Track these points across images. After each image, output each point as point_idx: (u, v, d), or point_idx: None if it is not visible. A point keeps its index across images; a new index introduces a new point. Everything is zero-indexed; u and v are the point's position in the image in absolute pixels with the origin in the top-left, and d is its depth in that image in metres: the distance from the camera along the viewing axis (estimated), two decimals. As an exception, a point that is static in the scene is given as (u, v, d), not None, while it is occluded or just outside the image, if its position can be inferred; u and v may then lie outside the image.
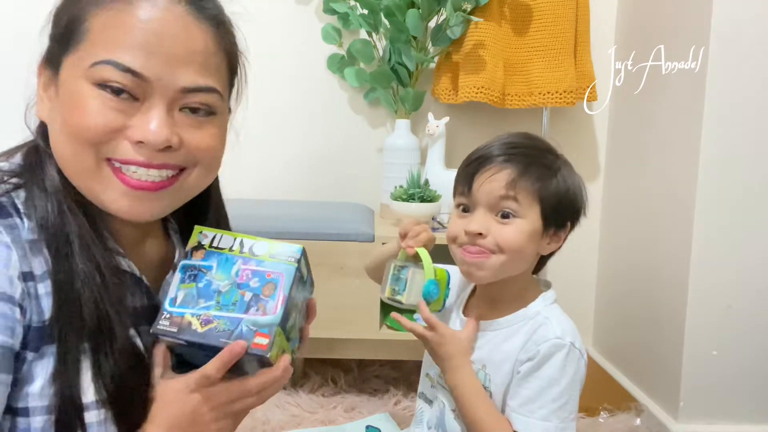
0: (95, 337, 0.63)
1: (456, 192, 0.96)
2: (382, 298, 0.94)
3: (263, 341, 0.68)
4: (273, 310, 0.69)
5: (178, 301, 0.70)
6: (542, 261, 0.97)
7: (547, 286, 0.98)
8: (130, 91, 0.63)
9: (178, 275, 0.72)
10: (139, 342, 0.69)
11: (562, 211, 0.91)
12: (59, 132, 0.65)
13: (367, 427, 1.39)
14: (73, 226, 0.65)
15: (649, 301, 1.70)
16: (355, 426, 1.34)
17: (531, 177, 0.88)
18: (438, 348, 0.92)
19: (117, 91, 0.62)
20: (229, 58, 0.72)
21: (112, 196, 0.65)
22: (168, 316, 0.69)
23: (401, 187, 1.69)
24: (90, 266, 0.64)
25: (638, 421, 1.62)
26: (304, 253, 0.74)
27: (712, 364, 1.51)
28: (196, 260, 0.72)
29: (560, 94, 1.81)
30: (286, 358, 0.71)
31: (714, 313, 1.49)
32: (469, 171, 0.92)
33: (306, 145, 2.03)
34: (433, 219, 1.72)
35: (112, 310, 0.64)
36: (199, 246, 0.73)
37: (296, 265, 0.73)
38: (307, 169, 2.03)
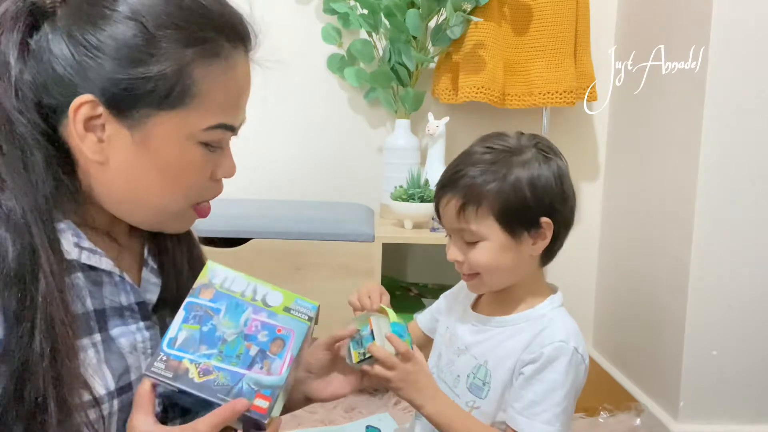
0: (30, 417, 0.59)
1: None
2: (350, 365, 0.88)
3: (263, 404, 0.63)
4: (278, 370, 0.65)
5: (178, 342, 0.65)
6: (547, 254, 0.95)
7: (554, 289, 0.98)
8: (223, 143, 0.70)
9: (181, 313, 0.67)
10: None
11: (525, 215, 0.88)
12: (153, 183, 0.66)
13: (367, 427, 1.40)
14: (40, 294, 0.60)
15: (649, 301, 1.70)
16: (355, 426, 1.35)
17: (474, 201, 0.87)
18: (415, 378, 0.87)
19: (217, 146, 0.68)
20: None
21: (183, 223, 0.73)
22: (164, 358, 0.64)
23: (401, 187, 1.70)
24: (46, 347, 0.59)
25: (638, 421, 1.62)
26: (318, 309, 0.71)
27: (712, 364, 1.51)
28: (204, 300, 0.68)
29: (560, 94, 1.81)
30: (277, 423, 0.67)
31: (714, 313, 1.49)
32: (436, 200, 0.94)
33: (306, 145, 2.03)
34: (433, 219, 1.72)
35: (53, 401, 0.59)
36: (209, 284, 0.69)
37: (309, 323, 0.69)
38: (307, 169, 2.03)
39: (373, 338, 0.86)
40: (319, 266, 1.56)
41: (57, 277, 0.61)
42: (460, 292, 1.05)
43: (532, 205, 0.88)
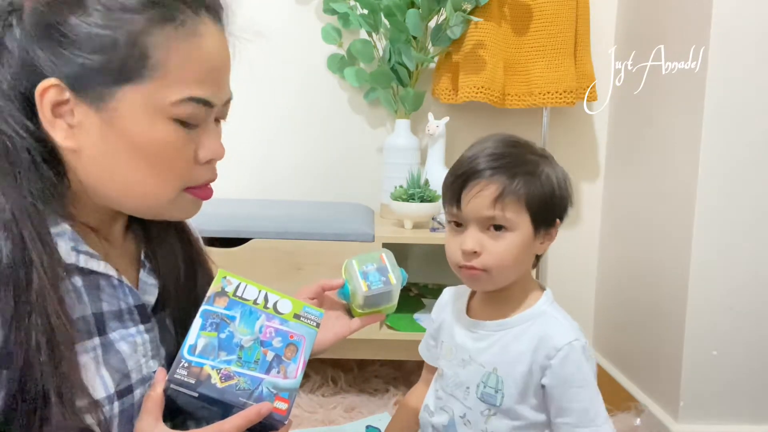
0: (32, 413, 0.59)
1: (445, 206, 0.95)
2: (359, 296, 0.87)
3: (283, 406, 0.67)
4: (294, 374, 0.69)
5: (198, 349, 0.67)
6: (538, 256, 0.97)
7: (542, 286, 0.98)
8: (202, 121, 0.67)
9: (198, 320, 0.69)
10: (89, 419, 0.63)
11: (550, 211, 0.91)
12: (130, 166, 0.64)
13: (367, 427, 1.40)
14: (34, 290, 0.59)
15: (650, 301, 1.70)
16: (355, 426, 1.35)
17: (516, 188, 0.87)
18: None
19: (193, 122, 0.66)
20: None
21: (182, 209, 0.70)
22: (186, 365, 0.66)
23: (401, 187, 1.69)
24: (43, 341, 0.59)
25: (638, 421, 1.62)
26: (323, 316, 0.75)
27: (712, 364, 1.50)
28: (219, 308, 0.70)
29: (560, 94, 1.81)
30: (289, 424, 0.69)
31: (714, 314, 1.49)
32: (456, 187, 0.91)
33: (306, 145, 2.03)
34: (433, 219, 1.72)
35: (55, 395, 0.59)
36: (222, 293, 0.71)
37: (317, 329, 0.73)
38: (307, 169, 2.03)
39: (389, 271, 0.89)
40: (319, 266, 1.56)
41: (50, 273, 0.60)
42: (447, 304, 1.04)
43: (559, 204, 0.92)
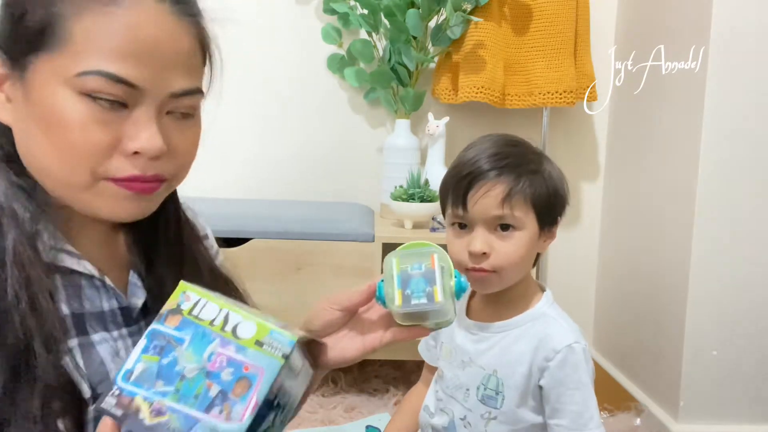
0: (16, 364, 0.57)
1: (446, 207, 0.94)
2: (393, 309, 0.67)
3: None
4: (239, 416, 0.55)
5: (134, 375, 0.57)
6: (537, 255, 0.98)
7: (542, 287, 0.98)
8: (120, 101, 0.60)
9: (142, 341, 0.59)
10: (74, 373, 0.61)
11: (553, 209, 0.92)
12: (41, 143, 0.61)
13: (367, 427, 1.39)
14: (9, 242, 0.59)
15: (650, 300, 1.70)
16: (355, 426, 1.34)
17: (523, 187, 0.88)
18: None
19: (107, 101, 0.59)
20: (204, 54, 0.68)
21: (109, 203, 0.63)
22: (117, 393, 0.56)
23: (401, 187, 1.70)
24: (21, 291, 0.58)
25: (638, 421, 1.62)
26: (297, 344, 0.60)
27: (712, 364, 1.51)
28: (168, 327, 0.59)
29: (560, 94, 1.81)
30: None
31: (714, 313, 1.49)
32: (460, 188, 0.90)
33: (306, 145, 2.03)
34: (433, 219, 1.72)
35: (38, 342, 0.57)
36: (177, 310, 0.60)
37: (283, 361, 0.58)
38: (307, 169, 2.03)
39: (436, 282, 0.65)
40: (319, 266, 1.56)
41: (28, 224, 0.60)
42: None
43: (561, 202, 0.93)
